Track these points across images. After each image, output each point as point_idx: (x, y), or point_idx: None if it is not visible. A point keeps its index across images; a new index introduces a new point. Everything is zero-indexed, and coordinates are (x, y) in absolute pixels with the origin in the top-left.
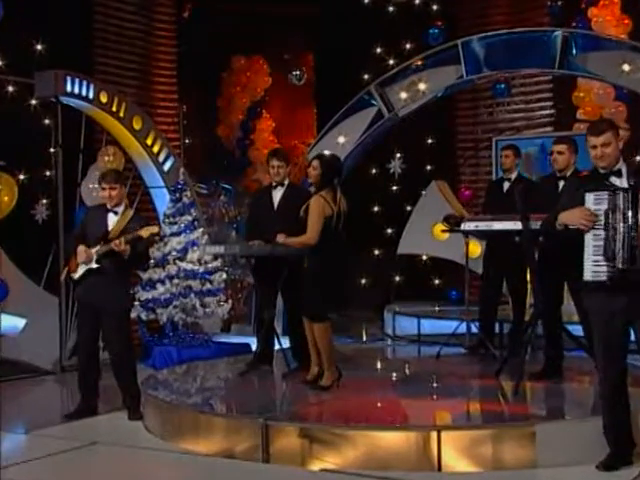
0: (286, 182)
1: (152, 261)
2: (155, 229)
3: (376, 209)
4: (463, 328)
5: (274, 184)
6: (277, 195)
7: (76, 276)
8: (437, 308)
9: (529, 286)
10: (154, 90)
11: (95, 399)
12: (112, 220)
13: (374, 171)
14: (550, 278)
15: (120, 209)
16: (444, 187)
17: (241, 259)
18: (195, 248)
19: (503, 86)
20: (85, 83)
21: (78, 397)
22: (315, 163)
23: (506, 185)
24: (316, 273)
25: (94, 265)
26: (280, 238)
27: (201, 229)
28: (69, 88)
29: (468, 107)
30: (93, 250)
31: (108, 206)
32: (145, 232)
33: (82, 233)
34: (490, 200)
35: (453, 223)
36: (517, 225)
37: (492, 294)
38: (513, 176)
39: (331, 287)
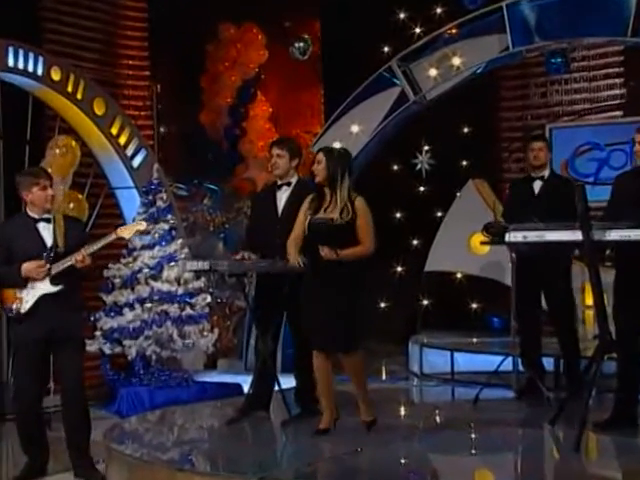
0: (293, 179)
1: (118, 280)
2: (142, 226)
3: (398, 215)
4: (509, 365)
5: (279, 182)
6: (282, 197)
7: (27, 307)
8: (475, 339)
9: (590, 311)
10: (120, 66)
11: (44, 455)
12: (46, 230)
13: (396, 168)
14: (629, 300)
15: (51, 215)
16: (484, 187)
17: (230, 278)
18: (172, 264)
19: (560, 60)
20: (32, 56)
21: (23, 457)
22: (320, 157)
23: (538, 185)
24: (348, 293)
25: (52, 289)
26: (325, 252)
27: (180, 240)
28: (11, 62)
29: (515, 87)
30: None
31: (32, 214)
32: (127, 232)
33: (7, 255)
34: (516, 204)
35: (495, 233)
36: (577, 235)
37: (530, 316)
38: (546, 173)
39: (364, 308)
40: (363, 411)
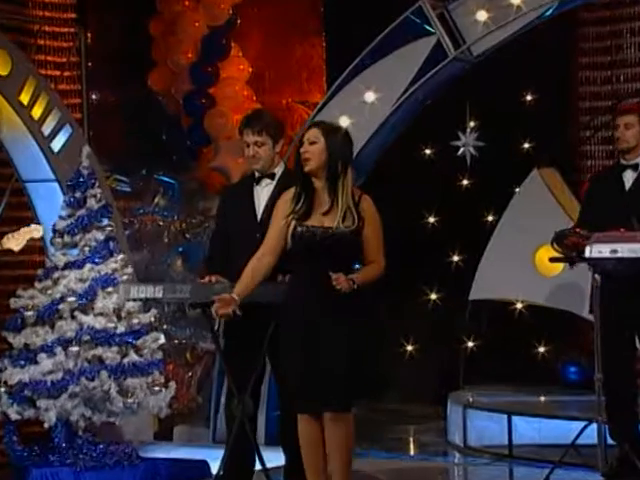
0: (278, 170)
1: (31, 313)
2: (37, 232)
3: (432, 220)
4: (592, 435)
5: (257, 175)
6: (262, 194)
7: None
8: (543, 398)
9: None
10: (33, 4)
11: None
12: None
13: (429, 153)
14: None
15: None
16: (554, 180)
17: (193, 309)
18: (110, 290)
19: None
20: None
21: None
22: (314, 134)
23: (630, 177)
24: (351, 331)
25: None
26: (342, 283)
27: (121, 256)
28: None
29: (601, 35)
30: None
31: None
32: (14, 242)
33: None
34: (600, 204)
35: (571, 246)
36: None
37: (621, 364)
38: None
39: (373, 353)
40: None
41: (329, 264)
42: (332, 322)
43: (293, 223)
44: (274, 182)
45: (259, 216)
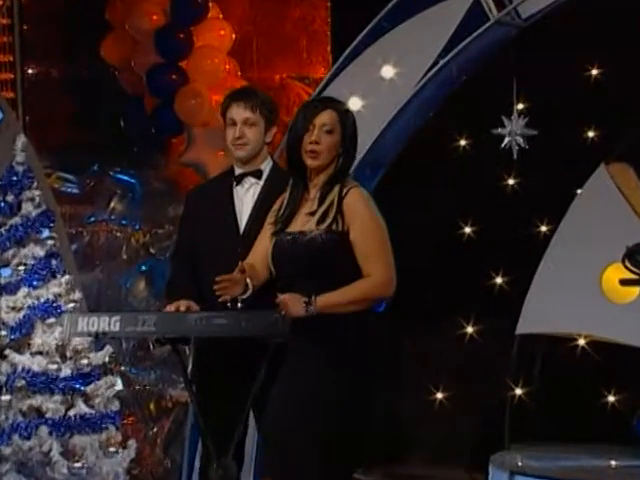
0: (266, 166)
1: None
2: None
3: (468, 230)
4: None
5: (238, 171)
6: (246, 198)
7: None
8: (613, 462)
9: None
10: None
11: None
12: None
13: (464, 144)
14: None
15: None
16: (627, 178)
17: (159, 346)
18: (52, 321)
19: None
20: None
21: None
22: (330, 119)
23: None
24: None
25: None
26: (287, 302)
27: (66, 277)
28: None
29: None
30: None
31: None
32: None
33: None
34: None
35: None
36: None
37: None
38: None
39: (358, 407)
40: None
41: (306, 281)
42: (296, 361)
43: (270, 231)
44: (261, 182)
45: (242, 227)
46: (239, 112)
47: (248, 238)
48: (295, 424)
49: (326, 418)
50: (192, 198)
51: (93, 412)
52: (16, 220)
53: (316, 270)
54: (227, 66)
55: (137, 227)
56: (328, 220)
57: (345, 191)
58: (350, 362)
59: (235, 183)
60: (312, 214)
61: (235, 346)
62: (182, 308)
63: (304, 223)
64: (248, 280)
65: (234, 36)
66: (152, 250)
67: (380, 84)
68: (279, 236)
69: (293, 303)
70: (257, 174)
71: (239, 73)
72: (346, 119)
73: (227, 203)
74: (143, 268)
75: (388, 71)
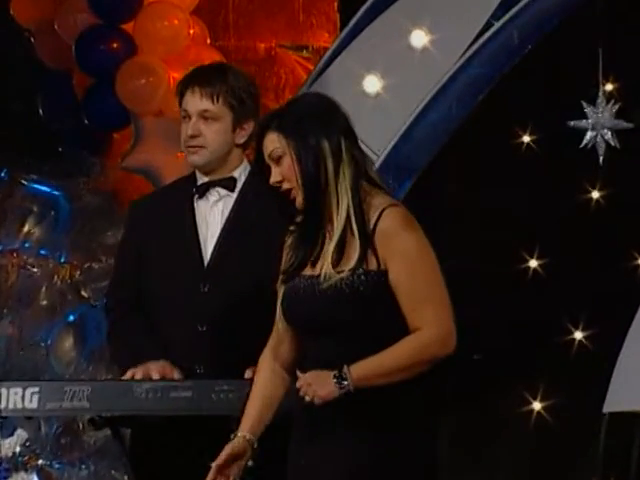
0: (241, 173)
1: None
2: None
3: (534, 264)
4: None
5: (202, 179)
6: (212, 214)
7: None
8: None
9: None
10: None
11: None
12: None
13: (528, 141)
14: None
15: None
16: None
17: (95, 429)
18: None
19: None
20: None
21: None
22: (272, 143)
23: None
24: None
25: None
26: (303, 381)
27: None
28: None
29: None
30: None
31: None
32: None
33: None
34: None
35: None
36: None
37: None
38: None
39: None
40: None
41: (329, 344)
42: (321, 456)
43: (281, 280)
44: (234, 195)
45: (206, 256)
46: (194, 102)
47: (215, 271)
48: None
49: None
50: (137, 213)
51: None
52: None
53: (342, 328)
54: (191, 30)
55: (62, 260)
56: (354, 256)
57: (377, 213)
58: (395, 447)
59: (197, 195)
60: (338, 251)
61: (198, 429)
62: (139, 374)
63: (323, 263)
64: (241, 433)
65: None
66: (84, 292)
67: (408, 57)
68: (293, 281)
69: (320, 384)
70: (228, 184)
71: (209, 41)
72: (292, 126)
73: (186, 223)
74: (71, 318)
75: (419, 38)
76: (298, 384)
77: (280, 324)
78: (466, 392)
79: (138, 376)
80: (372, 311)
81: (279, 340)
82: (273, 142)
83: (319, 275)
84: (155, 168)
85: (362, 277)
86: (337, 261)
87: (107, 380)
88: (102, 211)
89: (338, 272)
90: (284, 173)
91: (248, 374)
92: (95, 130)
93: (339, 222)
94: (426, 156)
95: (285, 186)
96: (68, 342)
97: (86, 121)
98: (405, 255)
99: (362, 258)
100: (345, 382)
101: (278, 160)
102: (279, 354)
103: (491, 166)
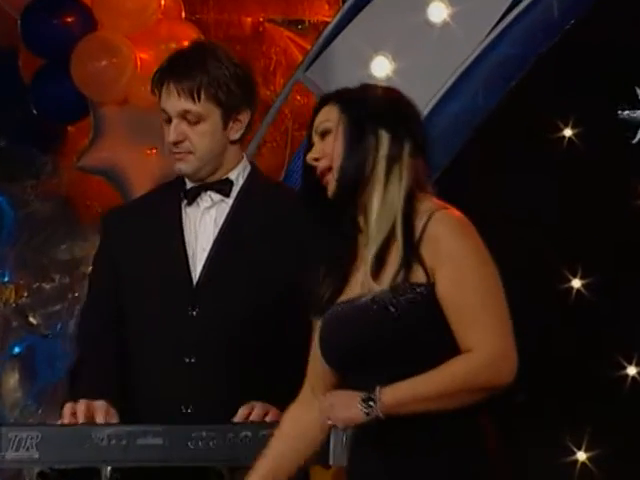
0: (238, 175)
1: None
2: None
3: (577, 284)
4: None
5: (191, 184)
6: (203, 224)
7: None
8: None
9: None
10: None
11: None
12: None
13: (569, 135)
14: None
15: None
16: None
17: None
18: None
19: None
20: None
21: None
22: (326, 115)
23: None
24: None
25: None
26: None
27: None
28: None
29: None
30: None
31: None
32: None
33: None
34: None
35: None
36: None
37: None
38: None
39: None
40: None
41: (364, 370)
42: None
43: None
44: (230, 200)
45: (195, 273)
46: (171, 102)
47: (206, 292)
48: None
49: None
50: (113, 224)
51: None
52: None
53: (386, 351)
54: (162, 1)
55: (6, 279)
56: (397, 268)
57: (426, 217)
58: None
59: (186, 201)
60: (377, 262)
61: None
62: (100, 416)
63: (357, 286)
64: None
65: None
66: (33, 319)
67: (424, 34)
68: (331, 310)
69: (344, 406)
70: (223, 187)
71: (184, 14)
72: (352, 109)
73: (172, 234)
74: (17, 350)
75: (438, 12)
76: (321, 405)
77: (318, 364)
78: (508, 440)
79: (80, 413)
80: (412, 334)
81: (317, 385)
82: (326, 113)
83: (354, 300)
84: (119, 168)
85: (408, 292)
86: (376, 273)
87: (60, 425)
88: (54, 220)
89: (379, 285)
90: (325, 149)
91: (241, 414)
92: (46, 122)
93: (381, 229)
94: (446, 154)
95: (322, 164)
96: (13, 379)
97: (34, 111)
98: (456, 263)
99: (407, 270)
100: (373, 407)
101: (324, 134)
102: (306, 405)
103: (524, 166)
